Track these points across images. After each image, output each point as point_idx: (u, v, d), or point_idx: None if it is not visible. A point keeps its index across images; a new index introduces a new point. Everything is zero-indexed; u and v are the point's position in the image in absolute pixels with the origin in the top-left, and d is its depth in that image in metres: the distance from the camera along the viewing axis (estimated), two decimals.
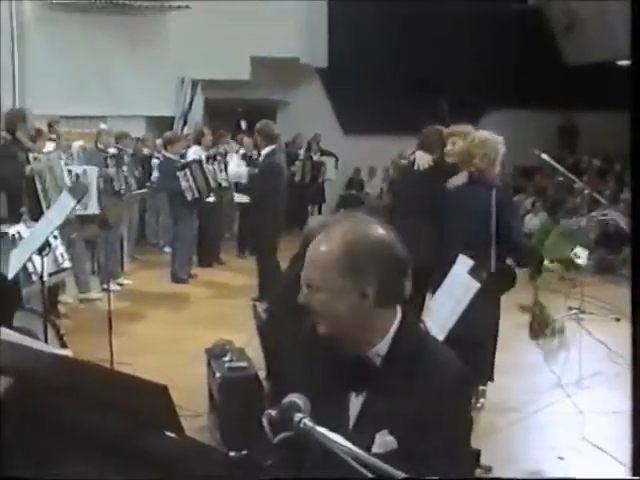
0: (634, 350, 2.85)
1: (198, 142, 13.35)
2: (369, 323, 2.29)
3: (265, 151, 10.12)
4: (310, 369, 2.43)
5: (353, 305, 2.26)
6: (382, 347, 2.31)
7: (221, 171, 12.84)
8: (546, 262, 6.73)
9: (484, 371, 6.41)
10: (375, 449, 2.13)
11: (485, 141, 6.41)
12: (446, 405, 2.21)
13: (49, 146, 10.27)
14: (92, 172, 10.26)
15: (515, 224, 6.71)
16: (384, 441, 2.21)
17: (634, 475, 3.10)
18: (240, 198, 13.74)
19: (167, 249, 13.27)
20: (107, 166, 10.82)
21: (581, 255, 7.43)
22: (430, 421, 2.19)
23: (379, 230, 2.30)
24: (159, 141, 14.03)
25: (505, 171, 7.77)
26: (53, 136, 11.08)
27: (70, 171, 9.64)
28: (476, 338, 5.82)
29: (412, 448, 2.14)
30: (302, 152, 17.97)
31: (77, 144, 11.17)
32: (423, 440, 2.16)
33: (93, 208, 9.66)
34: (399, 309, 2.36)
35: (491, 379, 6.63)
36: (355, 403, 2.31)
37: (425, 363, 2.28)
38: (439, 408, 2.20)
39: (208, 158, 12.58)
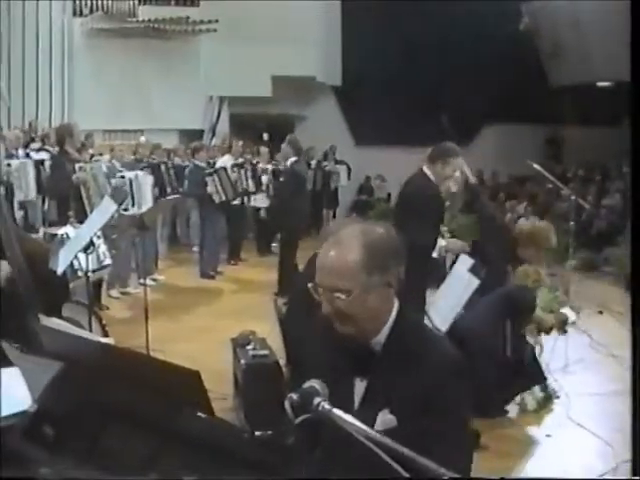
0: (634, 352, 2.82)
1: (228, 152, 13.47)
2: (384, 309, 2.32)
3: (290, 161, 10.24)
4: (320, 358, 2.44)
5: (382, 296, 2.28)
6: (382, 335, 2.32)
7: (247, 178, 12.86)
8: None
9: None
10: (377, 427, 2.13)
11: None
12: (441, 387, 2.21)
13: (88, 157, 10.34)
14: (144, 176, 10.32)
15: None
16: (385, 419, 2.22)
17: (634, 475, 3.06)
18: (256, 203, 13.82)
19: (196, 248, 13.29)
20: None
21: (570, 315, 7.44)
22: (427, 402, 2.19)
23: (382, 229, 2.33)
24: (188, 151, 14.10)
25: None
26: (90, 150, 11.17)
27: (123, 177, 9.69)
28: None
29: (411, 428, 2.14)
30: (314, 162, 17.94)
31: (107, 156, 11.19)
32: (421, 420, 2.16)
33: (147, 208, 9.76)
34: (396, 299, 2.37)
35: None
36: (359, 387, 2.32)
37: (420, 348, 2.29)
38: (434, 390, 2.20)
39: (235, 165, 12.61)
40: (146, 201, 9.92)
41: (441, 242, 6.18)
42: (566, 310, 7.28)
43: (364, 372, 2.29)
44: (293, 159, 10.19)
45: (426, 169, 6.31)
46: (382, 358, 2.30)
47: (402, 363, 2.26)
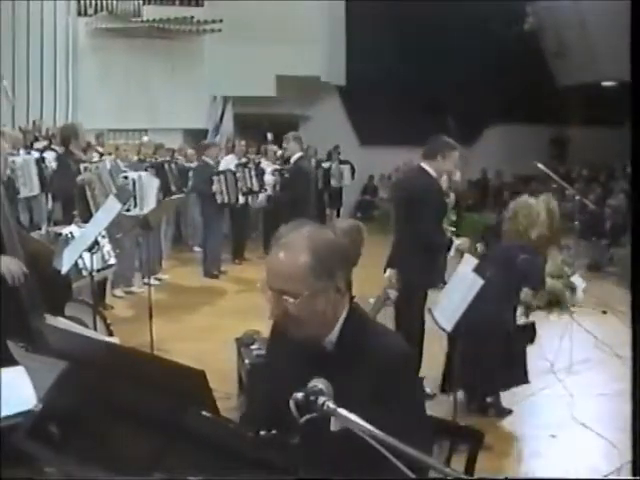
0: (634, 350, 2.81)
1: (232, 151, 13.49)
2: (336, 313, 2.35)
3: (295, 157, 10.30)
4: (281, 358, 2.48)
5: (332, 300, 2.31)
6: (333, 335, 2.36)
7: (251, 177, 12.85)
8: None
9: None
10: (332, 427, 2.09)
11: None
12: (393, 381, 2.24)
13: (95, 157, 10.34)
14: (148, 177, 10.35)
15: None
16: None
17: (634, 475, 3.04)
18: (259, 202, 13.83)
19: (196, 248, 13.31)
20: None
21: (578, 283, 7.34)
22: (381, 397, 2.22)
23: (330, 234, 2.36)
24: (190, 151, 14.13)
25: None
26: (99, 148, 11.18)
27: (126, 177, 9.70)
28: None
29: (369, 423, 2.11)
30: (313, 161, 17.87)
31: (112, 155, 11.20)
32: (377, 415, 2.12)
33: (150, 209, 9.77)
34: (347, 303, 2.40)
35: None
36: None
37: (370, 345, 2.32)
38: (387, 384, 2.23)
39: (239, 165, 12.62)
40: (149, 202, 9.92)
41: (455, 241, 6.17)
42: (575, 278, 7.21)
43: (320, 372, 2.26)
44: (297, 155, 10.25)
45: (425, 165, 6.27)
46: (335, 356, 2.33)
47: (354, 359, 2.29)
